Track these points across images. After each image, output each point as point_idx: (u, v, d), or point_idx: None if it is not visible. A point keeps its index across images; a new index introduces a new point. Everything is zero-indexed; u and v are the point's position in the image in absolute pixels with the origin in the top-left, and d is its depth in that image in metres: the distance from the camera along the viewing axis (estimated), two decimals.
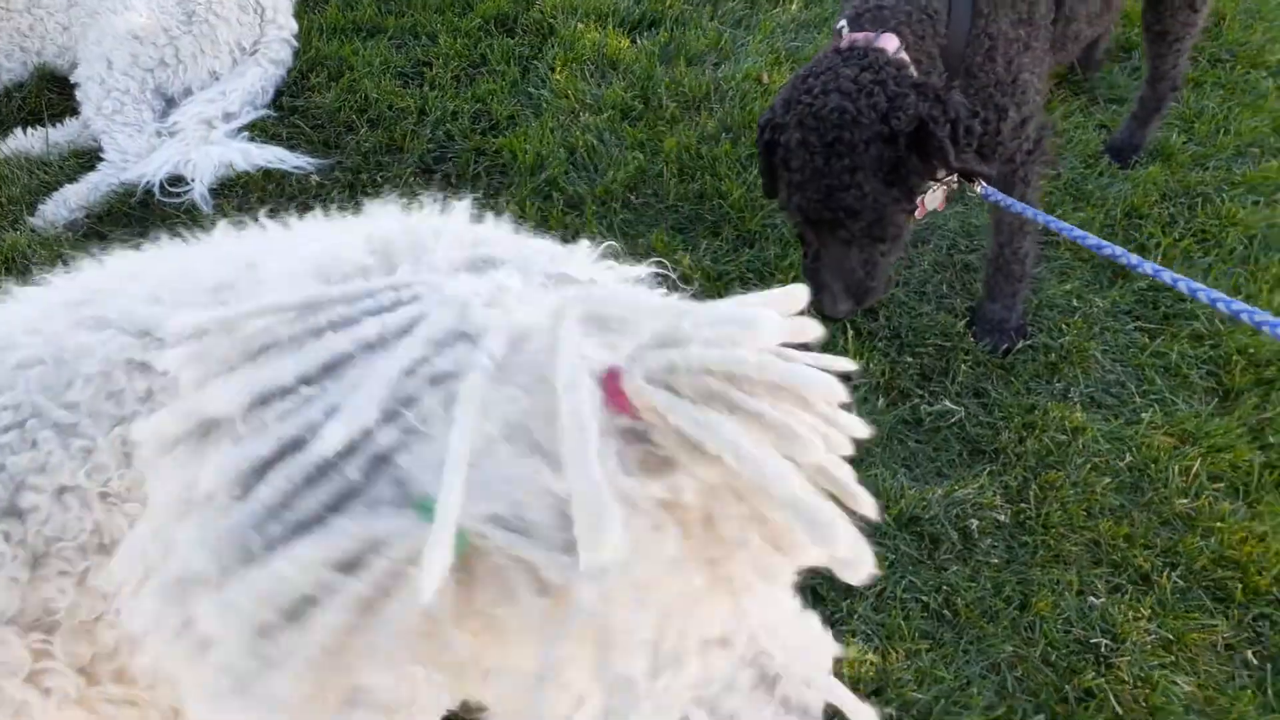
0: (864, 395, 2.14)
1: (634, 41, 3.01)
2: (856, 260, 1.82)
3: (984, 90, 1.90)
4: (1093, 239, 1.50)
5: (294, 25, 2.92)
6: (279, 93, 2.86)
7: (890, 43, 1.77)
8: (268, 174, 2.58)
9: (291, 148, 2.64)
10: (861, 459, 1.95)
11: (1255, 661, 1.76)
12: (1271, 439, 2.05)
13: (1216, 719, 1.68)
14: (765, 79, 2.84)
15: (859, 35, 1.80)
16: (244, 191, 2.55)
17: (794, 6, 3.19)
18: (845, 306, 1.86)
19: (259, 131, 2.72)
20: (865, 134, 1.68)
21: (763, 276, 2.36)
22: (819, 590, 1.81)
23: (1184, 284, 1.32)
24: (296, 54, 2.92)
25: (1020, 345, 2.21)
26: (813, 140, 1.71)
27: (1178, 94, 2.60)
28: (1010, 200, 1.79)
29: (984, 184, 1.82)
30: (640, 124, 2.73)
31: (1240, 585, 1.83)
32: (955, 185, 1.89)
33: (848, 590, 1.81)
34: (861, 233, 1.78)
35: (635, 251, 2.39)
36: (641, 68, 2.88)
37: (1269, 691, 1.71)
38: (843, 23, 1.87)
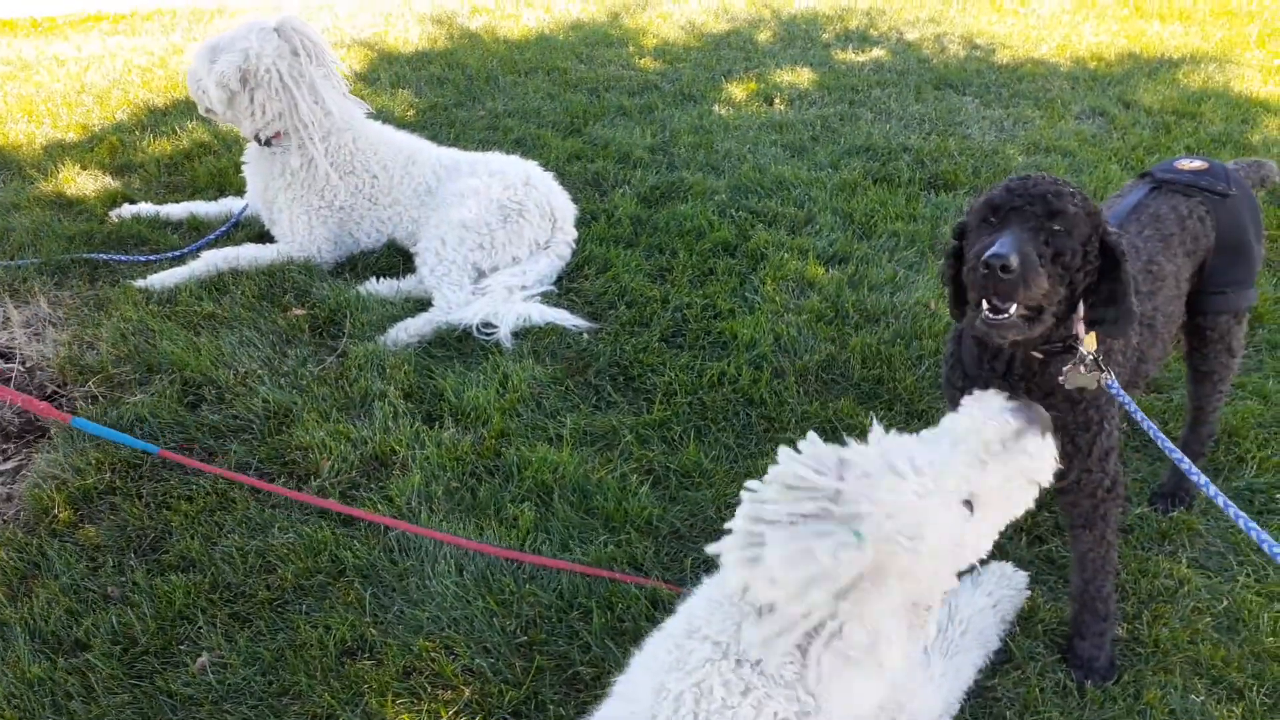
0: (1008, 536, 2.72)
1: (827, 270, 3.89)
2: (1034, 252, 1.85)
3: (1084, 399, 2.10)
4: (1223, 499, 1.78)
5: (575, 233, 3.94)
6: (559, 278, 3.82)
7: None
8: (552, 329, 3.47)
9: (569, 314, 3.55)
10: None
11: None
12: None
13: None
14: (933, 306, 3.64)
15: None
16: (535, 338, 3.43)
17: None
18: (1015, 259, 1.80)
19: (545, 300, 3.65)
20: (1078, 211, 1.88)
21: None
22: None
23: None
24: (574, 253, 3.91)
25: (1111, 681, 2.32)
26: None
27: (1214, 440, 2.81)
28: (1135, 407, 1.96)
29: (1113, 379, 2.01)
30: (831, 326, 3.54)
31: None
32: (1089, 364, 1.99)
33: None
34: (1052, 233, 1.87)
35: (825, 413, 3.11)
36: (833, 289, 3.73)
37: None
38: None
